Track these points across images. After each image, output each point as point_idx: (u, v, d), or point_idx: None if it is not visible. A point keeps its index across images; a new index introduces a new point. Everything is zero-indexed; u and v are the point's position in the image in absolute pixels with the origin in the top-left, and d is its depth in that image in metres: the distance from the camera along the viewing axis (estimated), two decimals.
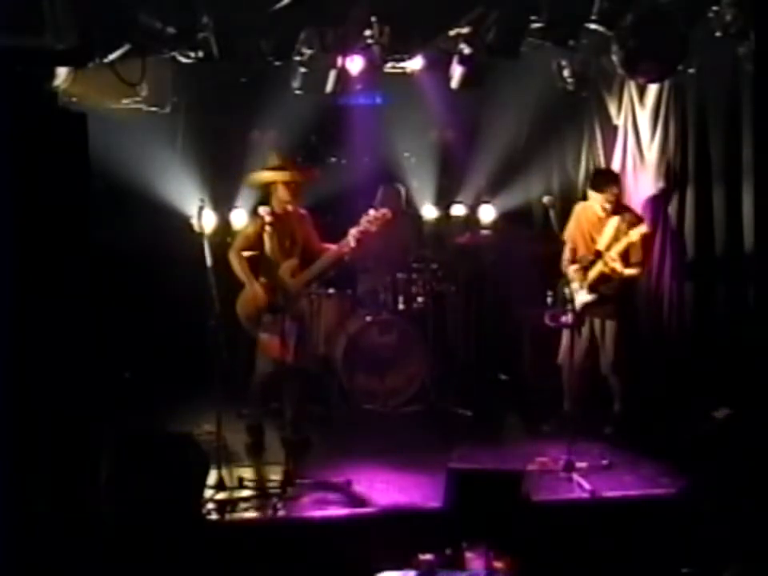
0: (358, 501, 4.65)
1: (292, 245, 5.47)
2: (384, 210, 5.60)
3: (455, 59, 5.36)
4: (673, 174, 5.87)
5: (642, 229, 5.35)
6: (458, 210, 7.61)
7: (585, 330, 5.59)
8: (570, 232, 5.75)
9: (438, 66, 5.64)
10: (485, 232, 7.20)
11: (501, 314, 7.00)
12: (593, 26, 4.95)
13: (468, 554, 3.78)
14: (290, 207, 5.48)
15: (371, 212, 5.53)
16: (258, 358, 5.52)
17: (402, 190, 7.10)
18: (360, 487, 4.80)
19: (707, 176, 5.54)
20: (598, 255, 5.45)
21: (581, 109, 6.95)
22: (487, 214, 7.30)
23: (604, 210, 5.50)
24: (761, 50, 4.75)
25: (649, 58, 4.92)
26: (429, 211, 7.72)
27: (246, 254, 5.45)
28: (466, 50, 5.19)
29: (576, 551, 4.12)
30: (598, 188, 5.54)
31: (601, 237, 5.49)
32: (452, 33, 5.11)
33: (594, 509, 4.61)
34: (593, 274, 5.46)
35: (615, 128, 6.50)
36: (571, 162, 7.29)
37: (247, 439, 5.56)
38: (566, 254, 5.72)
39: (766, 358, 4.84)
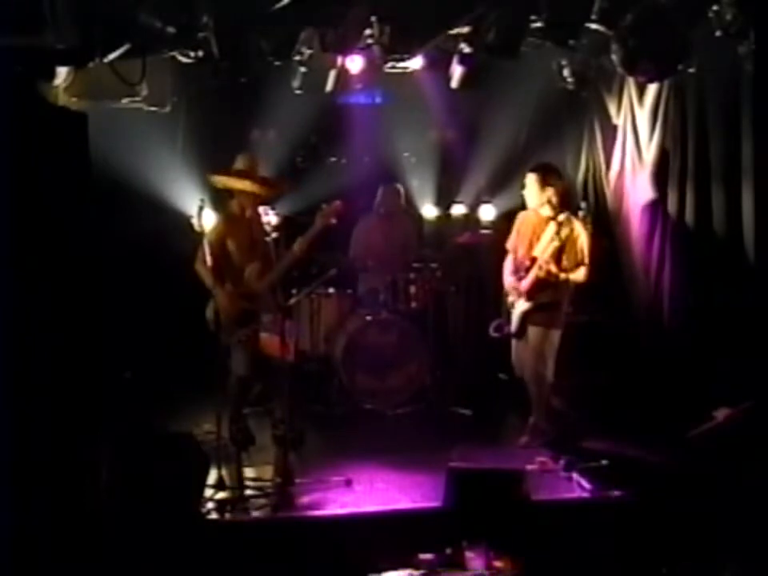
0: (357, 501, 4.65)
1: (253, 248, 5.32)
2: (336, 203, 5.53)
3: (455, 59, 5.36)
4: (672, 174, 5.86)
5: (566, 231, 5.23)
6: (458, 210, 7.61)
7: (529, 339, 5.46)
8: (512, 242, 5.66)
9: (438, 65, 5.65)
10: (485, 232, 7.20)
11: (501, 314, 6.99)
12: (593, 26, 4.95)
13: (468, 554, 3.78)
14: (248, 212, 5.33)
15: (323, 206, 5.49)
16: (232, 362, 5.43)
17: (402, 190, 7.11)
18: (360, 487, 4.81)
19: (707, 176, 5.53)
20: (534, 261, 5.35)
21: (581, 109, 6.95)
22: (487, 213, 7.30)
23: (551, 203, 5.35)
24: (761, 49, 4.75)
25: (649, 58, 4.91)
26: (429, 211, 7.73)
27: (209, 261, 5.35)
28: (466, 50, 5.19)
29: (576, 551, 4.12)
30: (550, 182, 5.38)
31: (538, 243, 5.39)
32: (452, 32, 5.11)
33: (593, 509, 4.61)
34: (529, 280, 5.36)
35: (615, 128, 6.50)
36: (571, 161, 7.29)
37: (233, 439, 5.47)
38: (507, 264, 5.64)
39: (766, 357, 4.85)
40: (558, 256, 5.30)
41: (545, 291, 5.34)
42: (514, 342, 5.58)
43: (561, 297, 5.37)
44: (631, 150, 6.30)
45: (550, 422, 5.50)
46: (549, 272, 5.26)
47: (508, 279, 5.57)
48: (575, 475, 4.85)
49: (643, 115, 6.09)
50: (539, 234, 5.39)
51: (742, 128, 5.13)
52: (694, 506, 4.24)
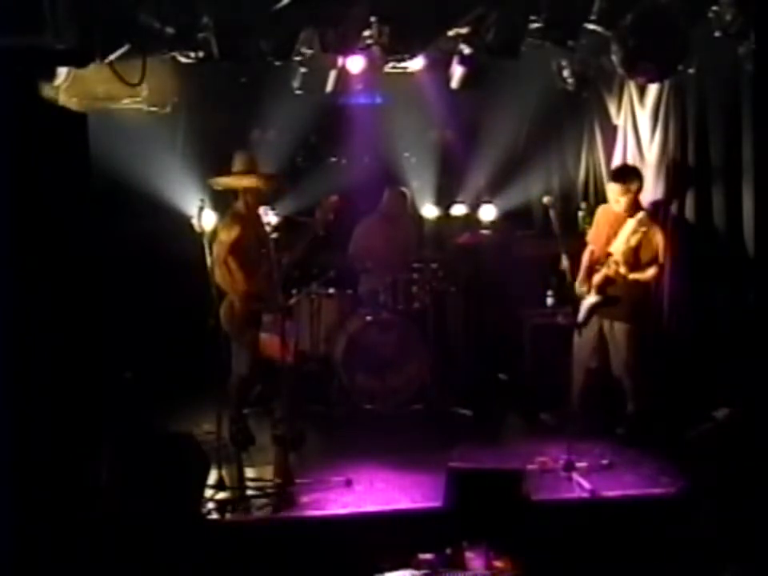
0: (357, 501, 4.65)
1: (261, 246, 5.35)
2: (333, 198, 5.63)
3: (455, 59, 5.36)
4: (673, 174, 5.87)
5: (639, 234, 5.28)
6: (458, 210, 7.62)
7: (593, 330, 5.58)
8: (591, 234, 5.79)
9: (438, 66, 5.65)
10: (485, 232, 7.20)
11: (501, 314, 7.00)
12: (593, 26, 4.95)
13: (468, 554, 3.77)
14: (253, 209, 5.37)
15: (322, 200, 5.63)
16: (233, 361, 5.47)
17: (408, 193, 7.13)
18: (360, 487, 4.81)
19: (707, 176, 5.53)
20: (608, 256, 5.43)
21: (581, 109, 6.95)
22: (487, 213, 7.31)
23: (618, 203, 5.45)
24: (761, 49, 4.74)
25: (649, 58, 4.91)
26: (429, 211, 7.73)
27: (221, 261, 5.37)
28: (466, 50, 5.19)
29: (576, 551, 4.12)
30: (615, 179, 5.52)
31: (615, 239, 5.46)
32: (452, 33, 5.11)
33: (593, 509, 4.61)
34: (600, 275, 5.45)
35: (615, 128, 6.50)
36: (571, 161, 7.29)
37: (233, 438, 5.47)
38: (585, 255, 5.73)
39: (766, 357, 4.85)
40: (633, 254, 5.36)
41: (614, 286, 5.41)
42: (576, 332, 5.60)
43: (631, 292, 5.43)
44: (632, 150, 6.29)
45: (585, 408, 5.57)
46: (617, 271, 5.33)
47: (582, 270, 5.64)
48: (575, 475, 4.85)
49: (644, 115, 6.09)
50: (616, 230, 5.44)
51: (742, 128, 5.13)
52: (694, 506, 4.23)
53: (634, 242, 5.31)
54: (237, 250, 5.38)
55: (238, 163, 5.53)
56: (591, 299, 5.47)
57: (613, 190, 5.52)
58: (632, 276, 5.37)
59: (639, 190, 5.53)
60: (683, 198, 5.77)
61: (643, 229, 5.29)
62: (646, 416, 5.55)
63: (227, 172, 5.55)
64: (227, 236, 5.36)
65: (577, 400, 5.58)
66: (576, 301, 5.48)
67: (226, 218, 5.49)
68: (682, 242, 5.80)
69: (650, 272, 5.44)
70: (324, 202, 5.66)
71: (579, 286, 5.58)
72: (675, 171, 5.84)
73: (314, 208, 5.79)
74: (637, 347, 5.54)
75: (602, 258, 5.47)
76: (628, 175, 5.56)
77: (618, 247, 5.39)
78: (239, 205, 5.48)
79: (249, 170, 5.49)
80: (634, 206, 5.46)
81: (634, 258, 5.39)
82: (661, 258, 5.45)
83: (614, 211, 5.55)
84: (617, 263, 5.34)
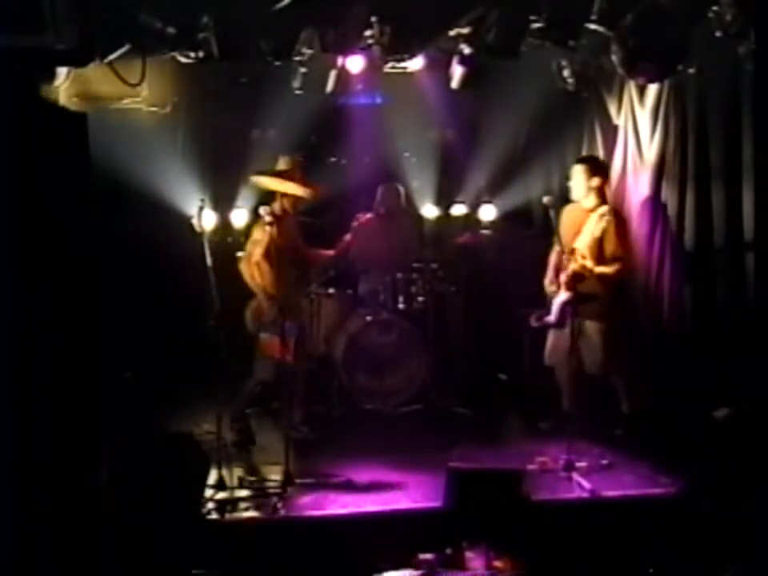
0: (357, 501, 4.65)
1: (289, 249, 5.47)
2: (369, 215, 5.72)
3: (455, 59, 5.36)
4: (673, 174, 5.87)
5: (603, 224, 5.28)
6: (458, 210, 7.62)
7: (567, 330, 5.55)
8: (559, 234, 5.74)
9: (438, 65, 5.65)
10: (485, 232, 7.20)
11: (501, 314, 7.00)
12: (593, 26, 4.95)
13: (468, 554, 3.78)
14: (290, 214, 5.53)
15: (360, 216, 5.71)
16: (256, 364, 5.53)
17: (402, 190, 7.11)
18: (360, 487, 4.81)
19: (707, 176, 5.53)
20: (573, 253, 5.39)
21: (581, 109, 6.95)
22: (487, 213, 7.31)
23: (596, 194, 5.46)
24: (761, 49, 4.75)
25: (649, 58, 4.91)
26: (429, 211, 7.74)
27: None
28: (466, 50, 5.19)
29: (576, 551, 4.12)
30: (596, 173, 5.52)
31: (580, 235, 5.44)
32: (452, 33, 5.11)
33: (593, 509, 4.61)
34: (568, 272, 5.40)
35: (615, 128, 6.50)
36: (571, 162, 7.27)
37: (234, 439, 5.54)
38: (552, 256, 5.71)
39: (766, 357, 4.85)
40: (597, 248, 5.34)
41: (584, 283, 5.36)
42: (551, 331, 5.61)
43: (600, 289, 5.39)
44: (632, 150, 6.29)
45: (579, 409, 5.53)
46: (583, 265, 5.29)
47: (550, 270, 5.63)
48: (575, 475, 4.85)
49: (644, 115, 6.09)
50: (581, 227, 5.44)
51: (742, 128, 5.13)
52: (694, 506, 4.24)
53: (597, 232, 5.29)
54: (269, 250, 5.40)
55: (280, 165, 5.58)
56: (561, 297, 5.44)
57: (576, 170, 5.55)
58: (598, 270, 5.32)
59: (603, 183, 5.54)
60: (683, 198, 5.77)
61: (606, 218, 5.28)
62: (643, 416, 5.54)
63: (271, 171, 5.61)
64: (262, 235, 5.40)
65: (569, 402, 5.58)
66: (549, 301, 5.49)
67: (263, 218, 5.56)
68: (681, 241, 5.81)
69: (616, 266, 5.39)
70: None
71: (548, 285, 5.58)
72: (674, 170, 5.84)
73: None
74: (611, 346, 5.49)
75: (568, 255, 5.43)
76: (593, 162, 5.66)
77: (583, 241, 5.36)
78: (275, 206, 5.50)
79: (290, 175, 5.50)
80: (598, 201, 5.46)
81: (599, 251, 5.35)
82: (623, 252, 5.41)
83: (580, 208, 5.53)
84: (583, 257, 5.29)
